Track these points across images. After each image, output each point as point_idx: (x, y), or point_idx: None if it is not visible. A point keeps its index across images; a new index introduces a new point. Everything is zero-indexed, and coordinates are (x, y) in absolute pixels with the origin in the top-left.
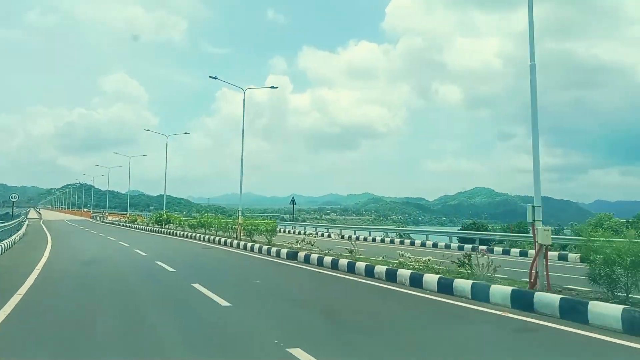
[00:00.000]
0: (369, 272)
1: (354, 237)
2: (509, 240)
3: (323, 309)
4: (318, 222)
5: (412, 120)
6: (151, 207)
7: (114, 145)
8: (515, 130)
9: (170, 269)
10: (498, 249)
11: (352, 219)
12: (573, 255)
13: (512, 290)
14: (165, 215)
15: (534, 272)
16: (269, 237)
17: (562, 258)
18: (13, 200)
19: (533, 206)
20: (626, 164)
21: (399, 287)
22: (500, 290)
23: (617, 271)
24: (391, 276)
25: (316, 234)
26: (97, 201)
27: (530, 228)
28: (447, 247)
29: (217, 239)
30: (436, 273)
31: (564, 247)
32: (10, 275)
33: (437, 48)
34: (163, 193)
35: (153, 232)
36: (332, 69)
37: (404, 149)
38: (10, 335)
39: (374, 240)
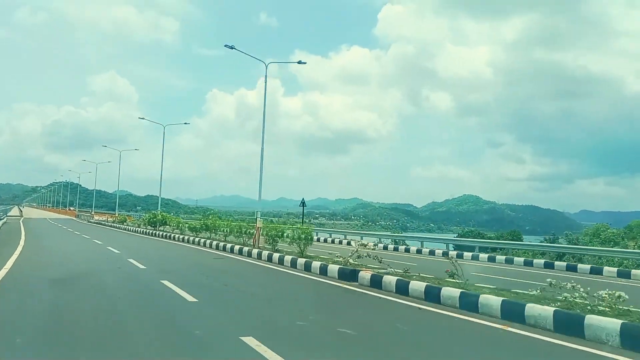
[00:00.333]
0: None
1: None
2: (506, 248)
3: None
4: (325, 227)
5: (402, 126)
6: (138, 208)
7: (103, 144)
8: (504, 138)
9: (189, 297)
10: (500, 257)
11: (340, 224)
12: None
13: None
14: (159, 216)
15: None
16: (302, 247)
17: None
18: None
19: None
20: (612, 175)
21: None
22: None
23: None
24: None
25: (332, 240)
26: (83, 200)
27: None
28: (445, 254)
29: (227, 246)
30: None
31: (561, 256)
32: None
33: (428, 55)
34: (150, 194)
35: (146, 234)
36: (323, 73)
37: (393, 155)
38: None
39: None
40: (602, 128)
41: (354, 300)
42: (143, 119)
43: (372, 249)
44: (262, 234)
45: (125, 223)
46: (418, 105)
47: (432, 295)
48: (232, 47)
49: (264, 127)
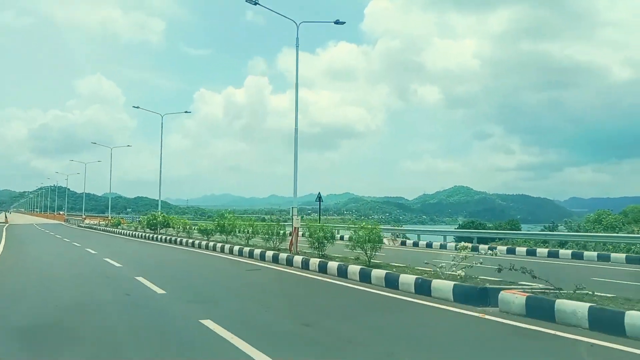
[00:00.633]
0: None
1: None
2: (506, 238)
3: None
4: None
5: (391, 120)
6: (129, 210)
7: (90, 147)
8: (493, 129)
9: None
10: (502, 247)
11: (333, 219)
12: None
13: None
14: (160, 217)
15: None
16: (370, 253)
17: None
18: None
19: None
20: (599, 162)
21: None
22: None
23: None
24: None
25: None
26: (72, 204)
27: None
28: (443, 247)
29: (256, 252)
30: None
31: (563, 244)
32: None
33: (415, 49)
34: (141, 195)
35: (146, 239)
36: (311, 70)
37: (383, 149)
38: None
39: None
40: (589, 116)
41: None
42: (138, 107)
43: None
44: (304, 236)
45: (119, 227)
46: (406, 99)
47: None
48: (255, 3)
49: (297, 99)
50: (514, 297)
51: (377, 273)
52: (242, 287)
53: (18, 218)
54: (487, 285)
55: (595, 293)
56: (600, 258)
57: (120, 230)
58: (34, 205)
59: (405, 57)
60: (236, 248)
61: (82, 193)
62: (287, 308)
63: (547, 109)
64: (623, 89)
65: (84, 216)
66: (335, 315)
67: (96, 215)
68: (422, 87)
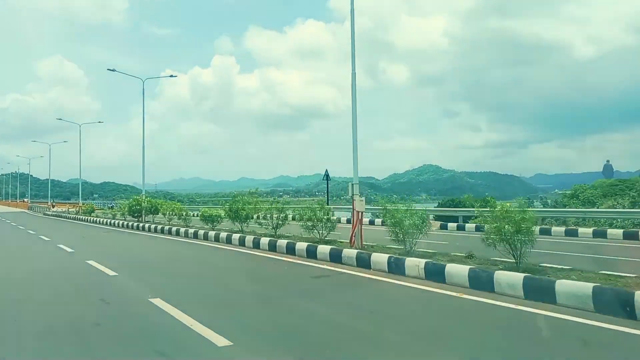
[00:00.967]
0: None
1: None
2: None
3: None
4: (291, 204)
5: (361, 100)
6: (95, 195)
7: (53, 132)
8: (460, 108)
9: None
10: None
11: (305, 200)
12: None
13: None
14: (145, 202)
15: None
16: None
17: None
18: None
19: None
20: (563, 138)
21: None
22: None
23: None
24: None
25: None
26: (35, 191)
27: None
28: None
29: (298, 246)
30: None
31: (542, 219)
32: None
33: (383, 27)
34: (107, 180)
35: (129, 228)
36: (279, 48)
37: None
38: None
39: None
40: (554, 93)
41: None
42: (113, 70)
43: None
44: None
45: (93, 214)
46: (375, 78)
47: None
48: None
49: (354, 73)
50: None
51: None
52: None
53: None
54: None
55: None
56: (597, 234)
57: (94, 219)
58: None
59: (374, 36)
60: (264, 241)
61: (46, 179)
62: None
63: (514, 86)
64: (586, 66)
65: (51, 203)
66: None
67: (64, 201)
68: (391, 65)
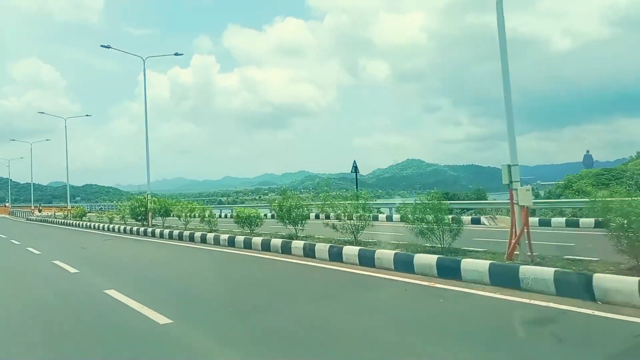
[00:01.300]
0: None
1: None
2: (475, 208)
3: None
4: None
5: (342, 97)
6: (78, 198)
7: (32, 135)
8: (440, 102)
9: None
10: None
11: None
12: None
13: None
14: (153, 203)
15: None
16: None
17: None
18: None
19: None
20: (543, 130)
21: None
22: None
23: None
24: None
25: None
26: (15, 195)
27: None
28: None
29: (418, 259)
30: None
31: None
32: None
33: (363, 24)
34: (89, 183)
35: (137, 234)
36: (259, 47)
37: (336, 125)
38: None
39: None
40: (532, 86)
41: None
42: (108, 47)
43: None
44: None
45: (84, 218)
46: (356, 75)
47: None
48: None
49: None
50: None
51: None
52: None
53: None
54: None
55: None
56: (598, 225)
57: (87, 223)
58: None
59: (353, 33)
60: (350, 251)
61: (26, 183)
62: None
63: (492, 80)
64: (563, 59)
65: (36, 206)
66: None
67: (49, 205)
68: (371, 62)
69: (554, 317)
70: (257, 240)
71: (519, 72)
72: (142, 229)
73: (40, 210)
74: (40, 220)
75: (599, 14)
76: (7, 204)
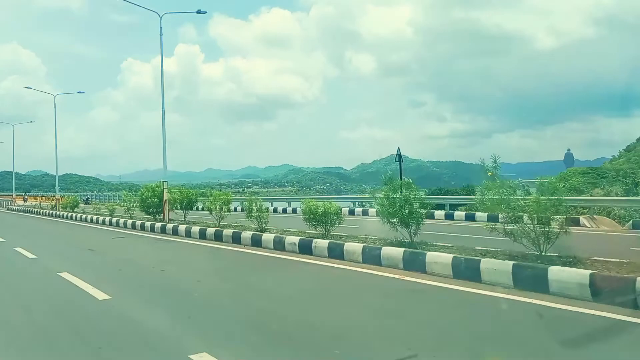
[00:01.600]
0: None
1: None
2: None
3: None
4: (260, 195)
5: (328, 89)
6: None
7: (9, 121)
8: (425, 98)
9: None
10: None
11: (275, 191)
12: None
13: None
14: (174, 194)
15: None
16: None
17: None
18: None
19: None
20: (525, 128)
21: None
22: None
23: None
24: None
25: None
26: None
27: None
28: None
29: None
30: None
31: None
32: None
33: (349, 16)
34: (69, 172)
35: (151, 231)
36: (244, 37)
37: (321, 118)
38: None
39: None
40: (516, 84)
41: None
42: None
43: None
44: None
45: (76, 209)
46: (342, 67)
47: None
48: None
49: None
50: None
51: None
52: None
53: None
54: None
55: None
56: None
57: (82, 216)
58: None
59: (340, 24)
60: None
61: (4, 171)
62: None
63: (477, 76)
64: (547, 56)
65: (17, 195)
66: None
67: (31, 195)
68: (357, 55)
69: None
70: (352, 247)
71: (503, 69)
72: (157, 224)
73: (25, 200)
74: (23, 211)
75: (583, 13)
76: None
